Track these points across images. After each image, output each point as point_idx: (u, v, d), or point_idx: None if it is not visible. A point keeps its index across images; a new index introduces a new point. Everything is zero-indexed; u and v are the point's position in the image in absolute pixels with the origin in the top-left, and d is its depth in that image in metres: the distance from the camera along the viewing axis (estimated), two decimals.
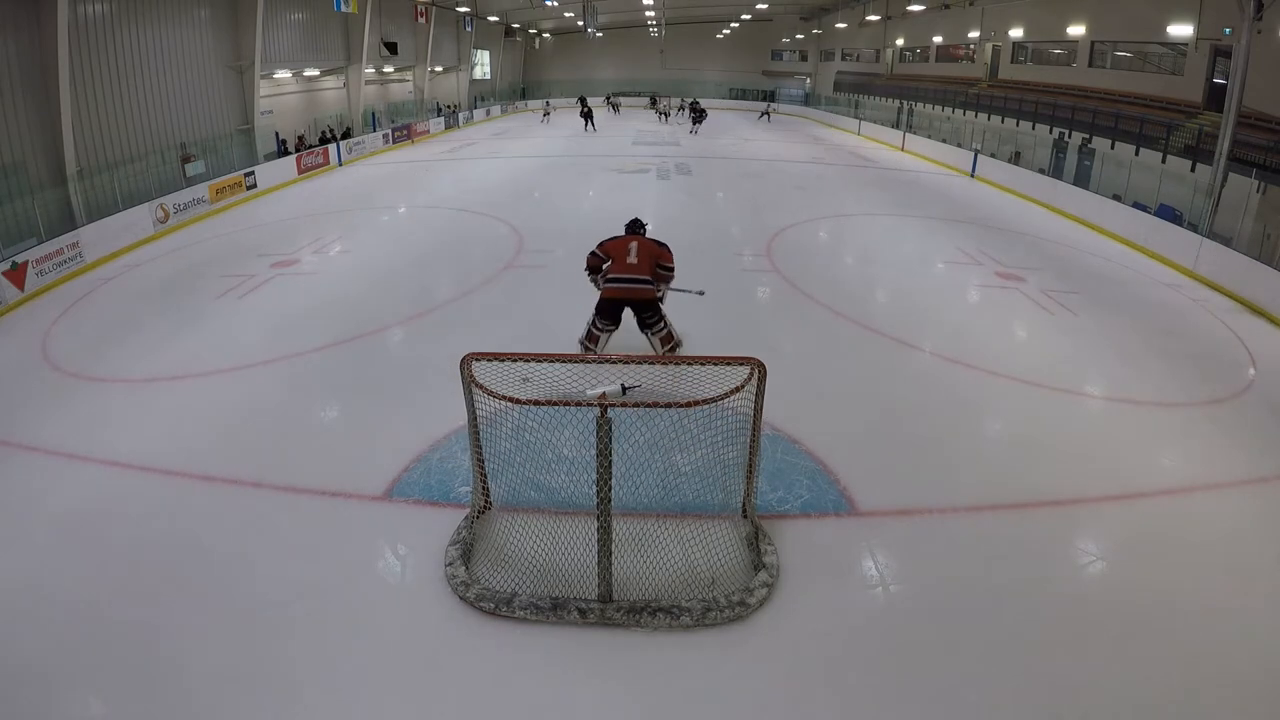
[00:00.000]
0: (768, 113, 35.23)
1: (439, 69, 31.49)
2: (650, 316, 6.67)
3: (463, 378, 4.08)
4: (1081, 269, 11.03)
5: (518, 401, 3.92)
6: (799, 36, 41.31)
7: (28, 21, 11.45)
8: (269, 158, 18.26)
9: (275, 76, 19.94)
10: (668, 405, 3.97)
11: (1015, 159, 19.00)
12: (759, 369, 4.01)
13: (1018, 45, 23.61)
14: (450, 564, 4.26)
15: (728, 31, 42.25)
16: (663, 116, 33.83)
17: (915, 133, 24.40)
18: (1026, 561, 4.47)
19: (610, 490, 3.83)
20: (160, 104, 14.99)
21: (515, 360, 4.10)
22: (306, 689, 3.56)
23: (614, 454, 3.79)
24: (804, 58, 42.03)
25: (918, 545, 4.63)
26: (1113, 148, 15.97)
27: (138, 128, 14.32)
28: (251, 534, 4.68)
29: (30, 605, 4.09)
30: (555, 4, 32.37)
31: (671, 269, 6.78)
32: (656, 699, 3.53)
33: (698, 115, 28.91)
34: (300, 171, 18.41)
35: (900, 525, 4.80)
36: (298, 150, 19.09)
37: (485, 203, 14.59)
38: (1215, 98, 14.53)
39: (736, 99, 41.70)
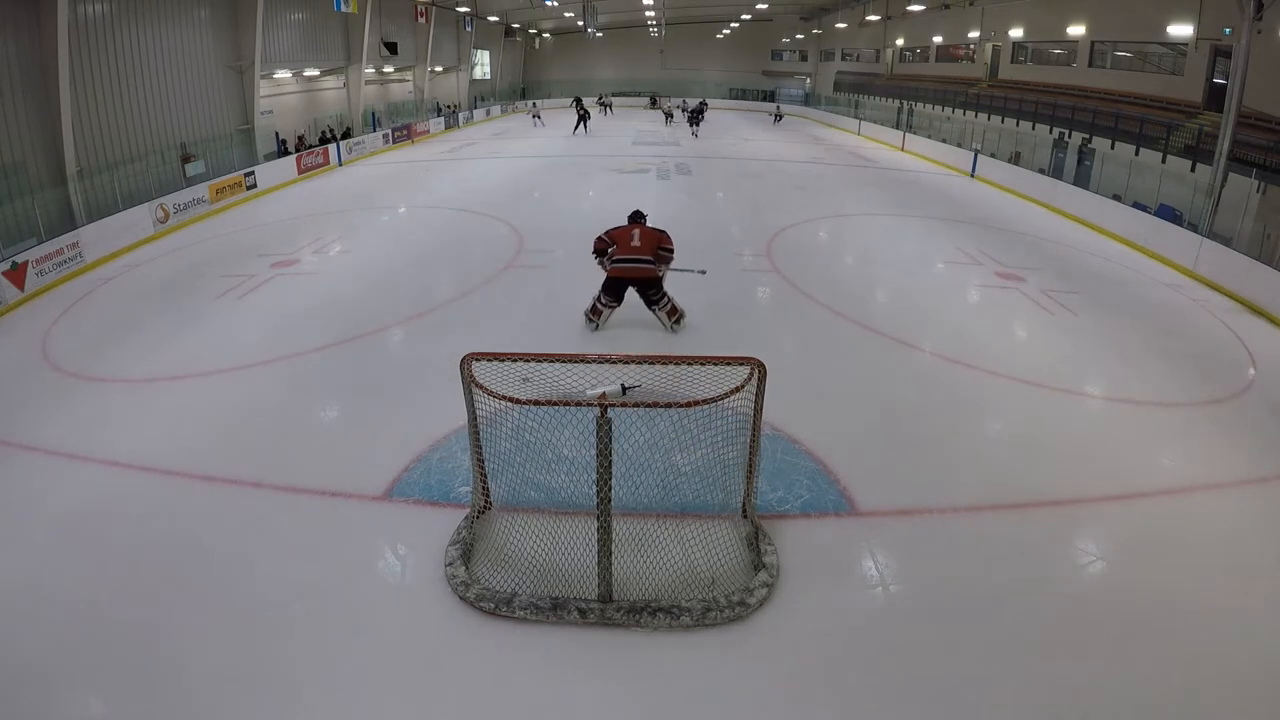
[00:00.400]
0: (779, 114, 34.19)
1: (439, 69, 31.49)
2: (654, 294, 7.47)
3: (463, 378, 4.08)
4: (1081, 269, 11.03)
5: (518, 401, 3.92)
6: (799, 36, 41.31)
7: (28, 21, 11.45)
8: (269, 158, 18.25)
9: (275, 76, 19.94)
10: (668, 405, 3.97)
11: (1015, 159, 19.00)
12: (759, 369, 4.01)
13: (1018, 45, 23.60)
14: (450, 564, 4.26)
15: (728, 31, 42.25)
16: (668, 118, 32.03)
17: (915, 133, 24.40)
18: (1026, 561, 4.47)
19: (610, 490, 3.83)
20: (160, 104, 14.98)
21: (515, 360, 4.10)
22: (306, 689, 3.56)
23: (614, 454, 3.79)
24: (804, 58, 42.03)
25: (918, 545, 4.63)
26: (1113, 148, 15.97)
27: (138, 128, 14.32)
28: (251, 534, 4.68)
29: (30, 605, 4.09)
30: (555, 4, 32.36)
31: (671, 251, 7.51)
32: (656, 699, 3.53)
33: (694, 116, 28.04)
34: (300, 171, 18.41)
35: (900, 525, 4.80)
36: (298, 150, 19.09)
37: (485, 203, 14.60)
38: (1215, 98, 14.53)
39: (737, 99, 41.70)
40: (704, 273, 8.04)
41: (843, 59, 37.87)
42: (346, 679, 3.61)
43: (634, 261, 7.31)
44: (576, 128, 27.22)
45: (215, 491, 5.12)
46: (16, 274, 9.36)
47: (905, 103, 26.92)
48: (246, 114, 18.04)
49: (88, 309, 9.16)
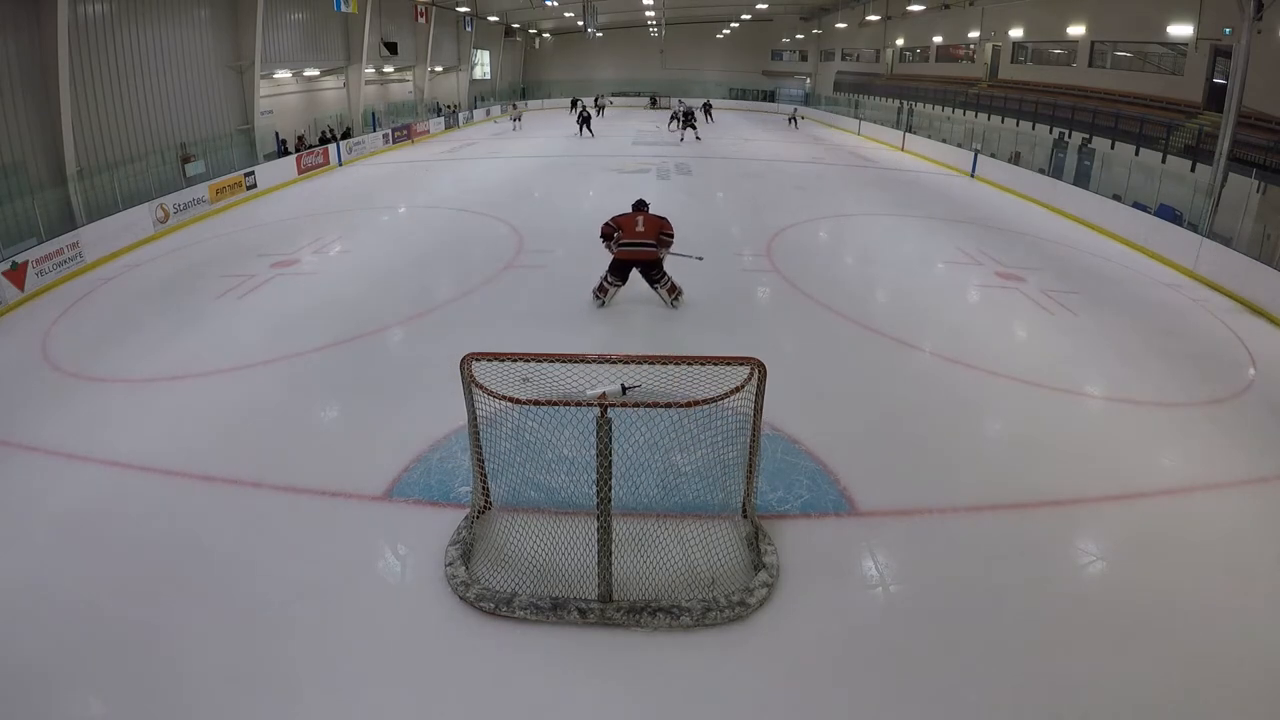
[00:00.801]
0: (794, 117, 32.68)
1: (439, 69, 31.49)
2: (656, 274, 8.25)
3: (463, 378, 4.08)
4: (1081, 269, 11.03)
5: (518, 401, 3.92)
6: (799, 36, 41.31)
7: (28, 21, 11.45)
8: (269, 158, 18.26)
9: (275, 76, 19.94)
10: (668, 405, 3.97)
11: (1015, 159, 19.00)
12: (759, 369, 4.01)
13: (1018, 45, 23.60)
14: (450, 564, 4.26)
15: (728, 31, 42.25)
16: (676, 121, 26.90)
17: (915, 133, 24.39)
18: (1026, 561, 4.47)
19: (610, 490, 3.83)
20: (160, 104, 14.98)
21: (515, 360, 4.10)
22: (306, 689, 3.56)
23: (614, 454, 3.79)
24: (804, 58, 42.03)
25: (918, 545, 4.64)
26: (1113, 148, 15.97)
27: (138, 128, 14.32)
28: (251, 534, 4.68)
29: (30, 605, 4.09)
30: (555, 4, 32.37)
31: (672, 236, 8.22)
32: (656, 699, 3.53)
33: (686, 118, 25.77)
34: (300, 171, 18.41)
35: (900, 525, 4.80)
36: (298, 150, 19.09)
37: (485, 203, 14.60)
38: (1215, 98, 14.52)
39: (737, 99, 41.70)
40: (701, 259, 8.73)
41: (843, 59, 37.87)
42: (346, 679, 3.60)
43: (638, 245, 8.05)
44: (581, 131, 26.08)
45: (215, 491, 5.12)
46: (16, 274, 9.36)
47: (905, 103, 26.92)
48: (246, 114, 18.04)
49: (88, 309, 9.16)
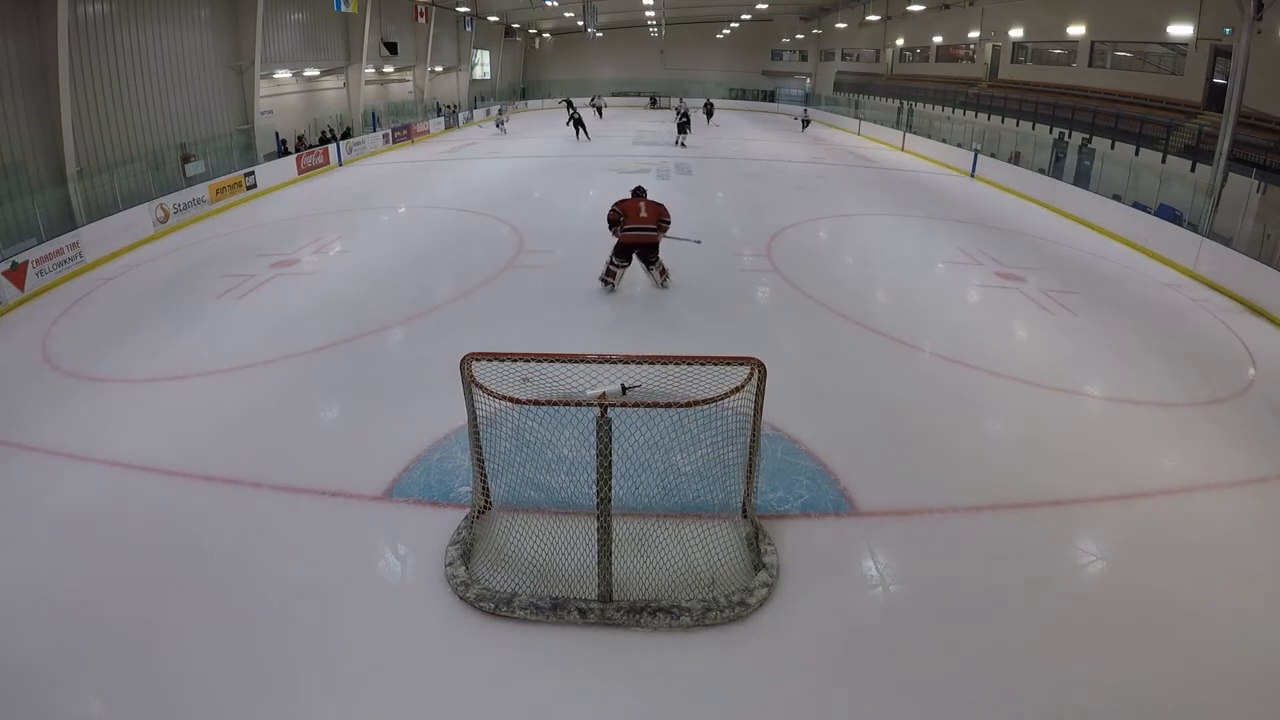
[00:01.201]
0: (806, 119, 31.17)
1: (439, 69, 31.48)
2: (653, 257, 8.87)
3: (463, 378, 4.08)
4: (1081, 269, 11.03)
5: (518, 401, 3.92)
6: (799, 36, 41.30)
7: (28, 21, 11.44)
8: (269, 158, 18.25)
9: (275, 76, 19.93)
10: (668, 405, 3.97)
11: (1015, 159, 19.00)
12: (759, 369, 4.01)
13: (1018, 45, 23.59)
14: (450, 564, 4.26)
15: (728, 31, 42.24)
16: (681, 125, 24.11)
17: (915, 133, 24.39)
18: (1026, 561, 4.47)
19: (610, 490, 3.83)
20: (160, 104, 14.98)
21: (515, 360, 4.10)
22: (306, 689, 3.56)
23: (614, 454, 3.79)
24: (804, 58, 42.01)
25: (918, 545, 4.64)
26: (1113, 148, 15.97)
27: (138, 128, 14.32)
28: (251, 534, 4.68)
29: (30, 605, 4.09)
30: (555, 4, 32.35)
31: (669, 220, 8.81)
32: (656, 699, 3.53)
33: (682, 122, 23.85)
34: (300, 171, 18.41)
35: (900, 525, 4.80)
36: (298, 150, 19.08)
37: (485, 203, 14.59)
38: (1215, 98, 14.52)
39: (737, 99, 41.70)
40: (699, 242, 9.48)
41: (843, 59, 37.86)
42: (346, 679, 3.60)
43: (642, 229, 8.58)
44: (578, 134, 25.03)
45: (215, 491, 5.12)
46: (16, 274, 9.36)
47: (905, 103, 26.91)
48: (246, 114, 18.04)
49: (88, 309, 9.16)
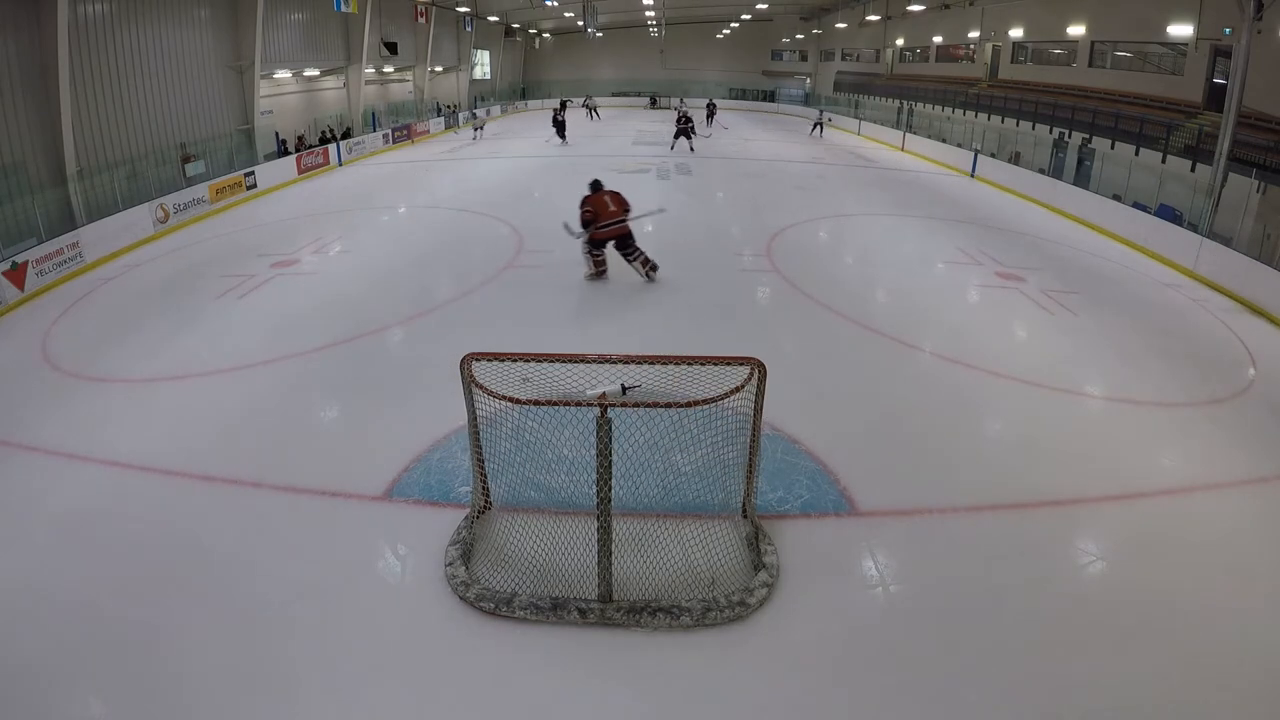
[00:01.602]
0: (821, 123, 28.55)
1: (439, 69, 31.48)
2: (630, 248, 9.14)
3: (463, 378, 4.08)
4: (1081, 269, 11.03)
5: (518, 401, 3.92)
6: (799, 36, 41.27)
7: (28, 21, 11.44)
8: (269, 158, 18.25)
9: (275, 76, 19.93)
10: (668, 405, 3.97)
11: (1015, 159, 18.99)
12: (759, 369, 4.01)
13: (1018, 45, 23.58)
14: (450, 564, 4.26)
15: (728, 31, 42.22)
16: (685, 130, 22.27)
17: (915, 133, 24.39)
18: (1026, 561, 4.47)
19: (610, 490, 3.83)
20: (160, 104, 14.98)
21: (515, 360, 4.10)
22: (306, 689, 3.56)
23: (614, 454, 3.79)
24: (804, 58, 41.99)
25: (918, 545, 4.64)
26: (1113, 148, 15.96)
27: (138, 128, 14.32)
28: (251, 534, 4.68)
29: (30, 605, 4.09)
30: (555, 4, 32.33)
31: (630, 206, 9.16)
32: (656, 699, 3.53)
33: (682, 125, 22.41)
34: (300, 171, 18.40)
35: (900, 525, 4.80)
36: (298, 150, 19.08)
37: (485, 203, 14.60)
38: (1215, 98, 14.52)
39: (737, 99, 41.70)
40: (663, 210, 10.23)
41: (843, 59, 37.83)
42: (346, 679, 3.61)
43: (616, 223, 8.97)
44: (563, 136, 23.94)
45: (215, 491, 5.12)
46: (16, 274, 9.36)
47: (905, 103, 26.90)
48: (246, 114, 18.04)
49: (88, 309, 9.16)
